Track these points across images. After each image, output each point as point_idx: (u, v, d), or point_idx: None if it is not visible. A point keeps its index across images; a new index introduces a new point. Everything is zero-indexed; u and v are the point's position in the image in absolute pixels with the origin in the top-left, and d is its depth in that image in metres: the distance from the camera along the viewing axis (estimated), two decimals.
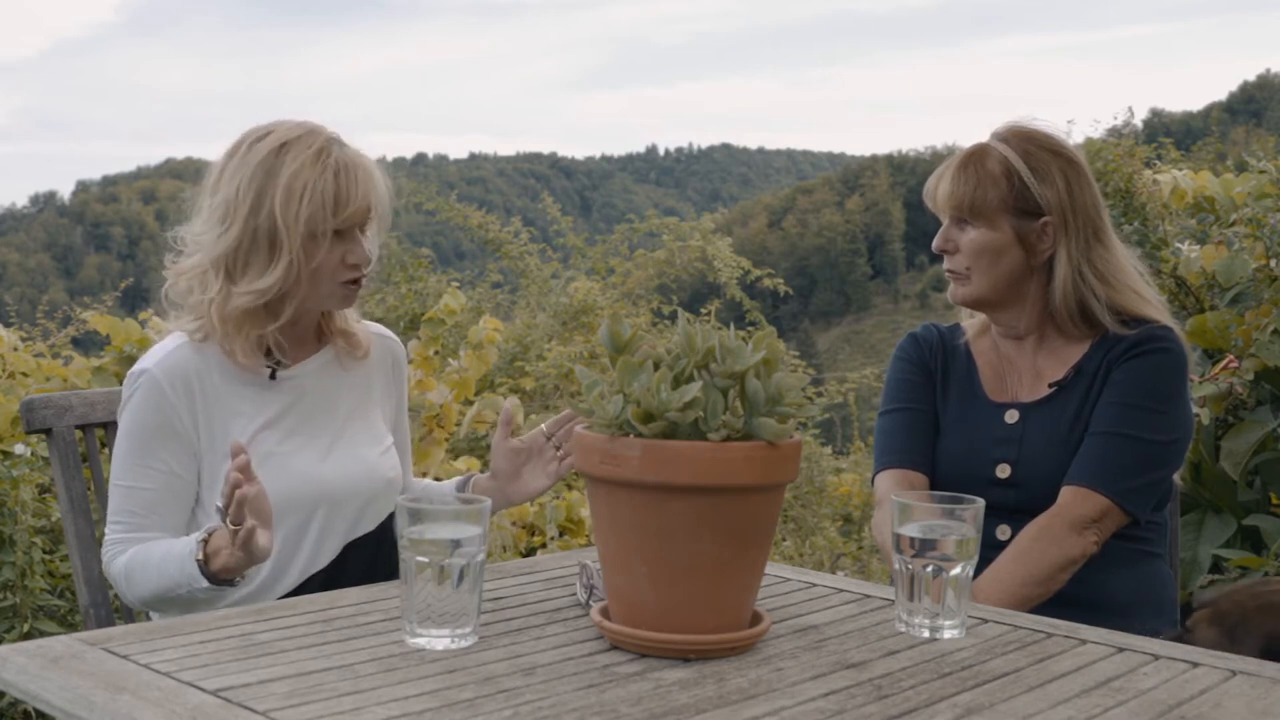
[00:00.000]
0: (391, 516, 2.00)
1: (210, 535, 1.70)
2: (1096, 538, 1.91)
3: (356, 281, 1.91)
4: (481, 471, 2.11)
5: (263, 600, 1.86)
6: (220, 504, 1.62)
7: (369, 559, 1.96)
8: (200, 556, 1.69)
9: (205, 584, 1.69)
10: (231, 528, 1.61)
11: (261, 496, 1.62)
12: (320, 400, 1.96)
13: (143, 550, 1.80)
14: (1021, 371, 2.09)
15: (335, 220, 1.84)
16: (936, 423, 2.11)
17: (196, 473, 1.88)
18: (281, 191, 1.82)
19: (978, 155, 2.03)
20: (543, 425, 2.00)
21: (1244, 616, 1.61)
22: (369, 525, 1.97)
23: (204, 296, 1.88)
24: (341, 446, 1.96)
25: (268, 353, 1.92)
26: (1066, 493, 1.93)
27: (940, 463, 2.08)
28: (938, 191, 2.06)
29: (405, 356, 2.14)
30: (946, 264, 2.06)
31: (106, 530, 1.87)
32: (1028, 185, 1.99)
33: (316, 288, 1.88)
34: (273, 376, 1.92)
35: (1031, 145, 2.03)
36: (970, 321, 2.18)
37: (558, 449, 1.98)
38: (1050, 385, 2.03)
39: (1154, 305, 2.05)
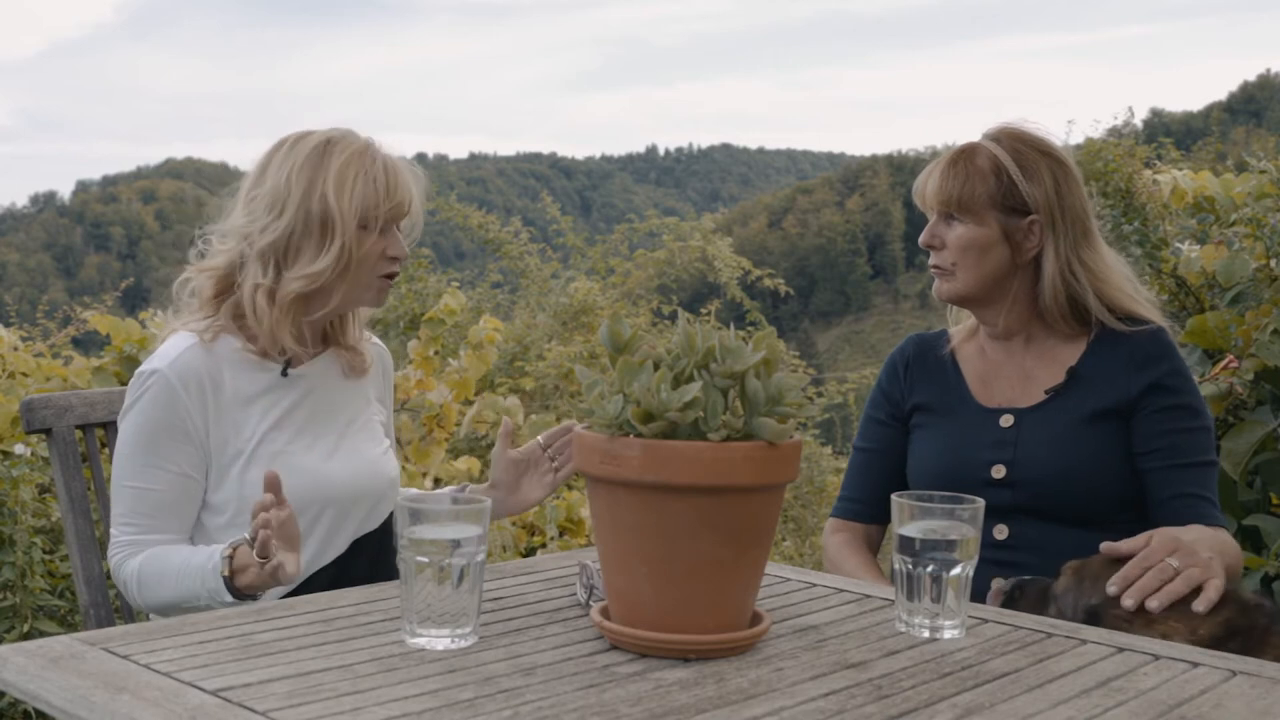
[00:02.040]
0: (393, 516, 2.02)
1: (235, 550, 1.71)
2: None
3: (391, 276, 1.96)
4: (480, 480, 2.14)
5: (267, 596, 1.86)
6: (249, 535, 1.64)
7: (374, 556, 1.97)
8: (226, 573, 1.71)
9: (230, 599, 1.70)
10: (259, 560, 1.63)
11: (291, 521, 1.65)
12: (325, 399, 1.98)
13: (158, 557, 1.81)
14: (1009, 374, 2.10)
15: (386, 206, 1.90)
16: (902, 457, 2.15)
17: (205, 473, 1.88)
18: (334, 179, 1.87)
19: (967, 152, 2.06)
20: (540, 437, 2.05)
21: (1098, 575, 1.63)
22: (373, 524, 1.99)
23: (249, 283, 1.90)
24: (346, 446, 1.98)
25: (280, 350, 1.94)
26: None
27: (931, 465, 2.08)
28: (926, 188, 2.08)
29: (392, 363, 2.21)
30: (932, 259, 2.08)
31: (113, 532, 1.87)
32: (1016, 183, 2.01)
33: (358, 279, 1.92)
34: (284, 373, 1.94)
35: (1021, 144, 2.05)
36: (957, 328, 2.20)
37: (553, 460, 2.03)
38: (1046, 392, 2.04)
39: (1144, 304, 2.07)
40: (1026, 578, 1.75)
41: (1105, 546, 1.67)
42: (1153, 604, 1.54)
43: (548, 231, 9.40)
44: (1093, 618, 1.58)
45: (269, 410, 1.91)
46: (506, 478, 2.03)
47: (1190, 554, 1.60)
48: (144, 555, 1.83)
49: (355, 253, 1.88)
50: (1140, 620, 1.55)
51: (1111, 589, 1.58)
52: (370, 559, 1.97)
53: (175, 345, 1.89)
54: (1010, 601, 1.71)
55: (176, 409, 1.84)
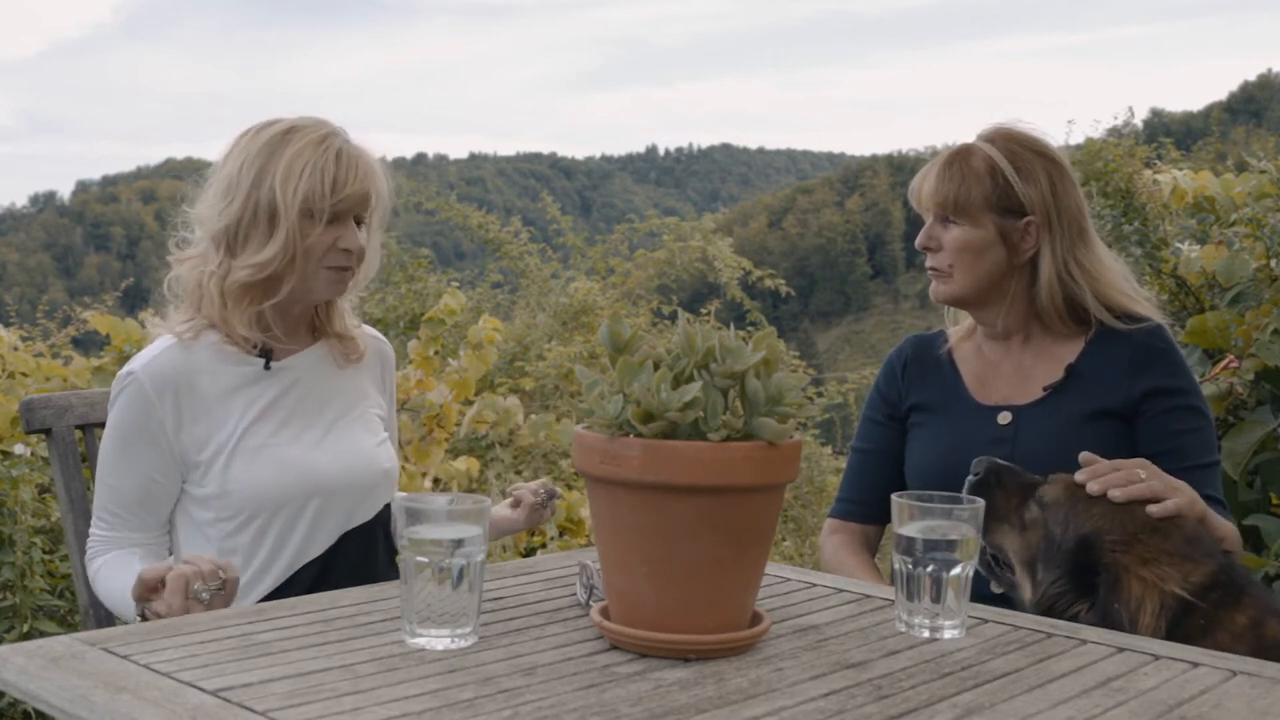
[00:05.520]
0: (388, 507, 2.03)
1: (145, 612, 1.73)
2: None
3: (345, 270, 1.93)
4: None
5: (250, 591, 1.87)
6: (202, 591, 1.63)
7: (364, 549, 1.97)
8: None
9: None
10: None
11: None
12: (312, 391, 1.98)
13: (109, 572, 1.87)
14: (1007, 372, 2.10)
15: (331, 199, 1.87)
16: (899, 458, 2.16)
17: (178, 476, 1.90)
18: (283, 169, 1.86)
19: (962, 154, 2.06)
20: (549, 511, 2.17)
21: (1094, 503, 1.66)
22: (365, 515, 1.98)
23: (204, 269, 1.91)
24: (334, 436, 1.97)
25: (259, 344, 1.93)
26: None
27: (929, 464, 2.09)
28: (922, 190, 2.09)
29: (394, 357, 2.19)
30: (929, 262, 2.09)
31: (93, 522, 1.92)
32: (1011, 184, 2.01)
33: (306, 269, 1.90)
34: (267, 366, 1.93)
35: (1016, 145, 2.05)
36: (955, 328, 2.20)
37: (543, 517, 2.17)
38: (1044, 389, 2.04)
39: (1142, 302, 2.07)
40: (1003, 463, 1.77)
41: (1085, 456, 1.74)
42: (1115, 494, 1.64)
43: (548, 231, 9.40)
44: (1084, 546, 1.62)
45: (251, 404, 1.91)
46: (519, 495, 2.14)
47: (1160, 475, 1.70)
48: (106, 559, 1.89)
49: (300, 243, 1.87)
50: (1134, 556, 1.58)
51: (1080, 476, 1.68)
52: (360, 552, 1.96)
53: (154, 348, 1.91)
54: (982, 487, 1.72)
55: (147, 413, 1.86)
